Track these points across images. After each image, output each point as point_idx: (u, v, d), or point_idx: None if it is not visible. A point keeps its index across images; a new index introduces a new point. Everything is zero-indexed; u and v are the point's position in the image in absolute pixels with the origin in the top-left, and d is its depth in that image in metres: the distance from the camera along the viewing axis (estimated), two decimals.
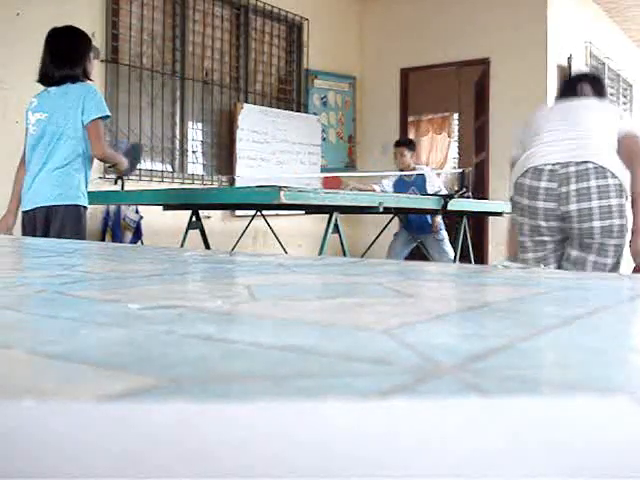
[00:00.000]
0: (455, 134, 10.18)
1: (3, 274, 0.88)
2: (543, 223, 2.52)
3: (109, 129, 4.99)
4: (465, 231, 4.55)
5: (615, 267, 2.57)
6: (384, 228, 4.77)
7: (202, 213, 4.25)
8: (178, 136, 5.62)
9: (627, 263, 2.68)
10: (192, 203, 3.75)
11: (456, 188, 5.08)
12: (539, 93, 6.36)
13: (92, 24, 4.87)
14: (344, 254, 3.20)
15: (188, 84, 5.65)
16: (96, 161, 4.86)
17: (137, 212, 4.96)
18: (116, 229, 4.91)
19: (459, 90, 8.65)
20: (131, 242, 4.89)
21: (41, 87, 3.08)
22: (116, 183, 4.63)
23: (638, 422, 0.27)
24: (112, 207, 4.91)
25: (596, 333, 0.51)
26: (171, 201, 3.80)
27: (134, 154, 3.23)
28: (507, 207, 4.65)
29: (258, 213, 4.85)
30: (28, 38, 4.38)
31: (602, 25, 7.75)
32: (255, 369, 0.36)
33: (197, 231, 4.13)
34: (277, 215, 5.50)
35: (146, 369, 0.36)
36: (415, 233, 5.33)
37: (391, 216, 4.65)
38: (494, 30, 6.54)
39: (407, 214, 5.00)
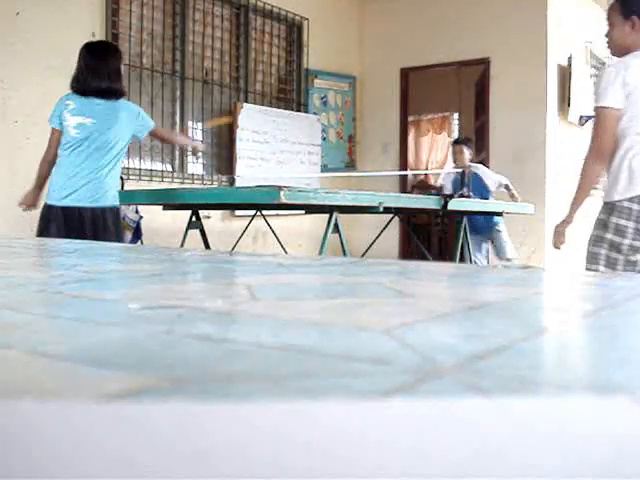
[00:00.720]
0: (455, 134, 10.19)
1: (3, 274, 0.88)
2: None
3: None
4: (465, 231, 4.54)
5: None
6: (384, 228, 4.77)
7: (202, 213, 4.25)
8: None
9: None
10: (192, 203, 3.75)
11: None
12: (539, 93, 6.35)
13: (92, 24, 4.87)
14: (344, 254, 3.20)
15: (188, 84, 5.65)
16: None
17: (137, 212, 4.96)
18: None
19: (459, 90, 8.66)
20: (131, 242, 4.89)
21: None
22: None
23: (638, 422, 0.27)
24: None
25: (596, 333, 0.51)
26: (171, 201, 3.80)
27: None
28: (507, 207, 4.66)
29: (258, 213, 4.85)
30: (28, 38, 4.38)
31: (602, 25, 7.74)
32: (255, 369, 0.36)
33: (197, 231, 4.13)
34: (277, 215, 5.50)
35: (146, 369, 0.36)
36: (484, 234, 5.29)
37: (391, 216, 4.64)
38: (494, 30, 6.54)
39: (469, 220, 4.94)
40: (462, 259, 4.59)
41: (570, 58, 6.57)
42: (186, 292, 0.74)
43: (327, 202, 2.95)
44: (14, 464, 0.22)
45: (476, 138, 7.30)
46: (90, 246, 1.71)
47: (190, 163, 5.75)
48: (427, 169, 10.27)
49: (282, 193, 2.66)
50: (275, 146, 6.37)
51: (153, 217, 4.94)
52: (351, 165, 7.35)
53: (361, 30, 7.43)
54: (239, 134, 5.99)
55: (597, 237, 2.61)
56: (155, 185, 5.28)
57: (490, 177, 5.29)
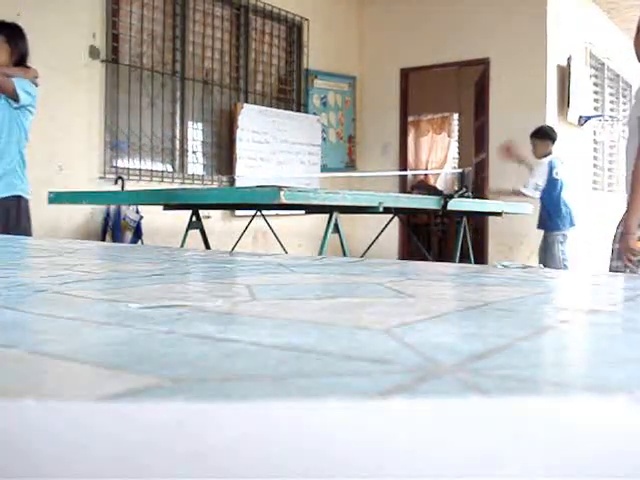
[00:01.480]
0: (455, 134, 10.18)
1: (3, 274, 0.88)
2: None
3: (109, 129, 4.99)
4: (465, 231, 4.54)
5: None
6: (384, 228, 4.76)
7: (202, 213, 4.25)
8: (178, 136, 5.62)
9: None
10: (192, 203, 3.75)
11: (456, 188, 5.06)
12: (539, 93, 6.35)
13: (92, 24, 4.87)
14: (344, 254, 3.20)
15: (188, 84, 5.65)
16: (97, 162, 4.88)
17: (137, 212, 4.96)
18: (116, 229, 4.91)
19: (459, 90, 8.66)
20: (131, 242, 4.89)
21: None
22: (116, 183, 4.64)
23: (638, 422, 0.27)
24: (112, 207, 4.91)
25: (596, 333, 0.51)
26: (171, 201, 3.79)
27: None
28: (506, 207, 4.66)
29: (258, 213, 4.85)
30: (28, 39, 4.38)
31: (602, 26, 7.75)
32: (255, 369, 0.36)
33: (197, 231, 4.13)
34: (277, 215, 5.50)
35: (146, 369, 0.36)
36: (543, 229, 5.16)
37: (391, 216, 4.64)
38: (494, 30, 6.54)
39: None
40: (462, 259, 4.59)
41: (569, 59, 6.57)
42: (186, 292, 0.74)
43: (327, 202, 2.95)
44: (14, 464, 0.22)
45: (476, 138, 7.30)
46: (90, 246, 1.71)
47: (190, 163, 5.75)
48: (427, 169, 10.26)
49: (282, 193, 2.66)
50: (275, 146, 6.37)
51: (153, 217, 4.94)
52: (351, 165, 7.35)
53: (361, 30, 7.43)
54: (239, 134, 5.99)
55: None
56: (155, 185, 5.28)
57: (533, 175, 5.14)
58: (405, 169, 7.54)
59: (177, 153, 5.64)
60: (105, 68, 4.95)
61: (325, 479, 0.21)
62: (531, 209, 4.88)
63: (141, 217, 4.99)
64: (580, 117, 6.87)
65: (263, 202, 3.06)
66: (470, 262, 4.62)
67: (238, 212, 5.65)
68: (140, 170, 5.25)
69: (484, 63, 6.73)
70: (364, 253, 4.75)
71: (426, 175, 10.08)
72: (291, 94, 6.76)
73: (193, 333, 0.46)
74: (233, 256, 1.34)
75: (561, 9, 6.57)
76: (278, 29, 6.60)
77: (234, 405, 0.29)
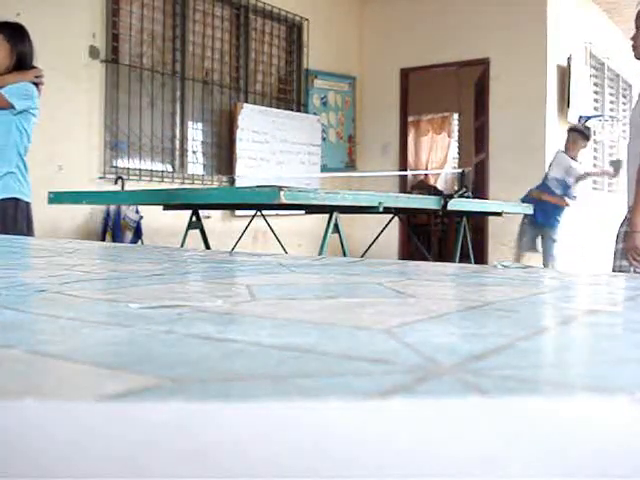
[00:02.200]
0: (455, 134, 10.18)
1: (3, 274, 0.88)
2: None
3: (109, 129, 4.99)
4: (465, 231, 4.54)
5: None
6: (384, 228, 4.76)
7: (202, 213, 4.25)
8: (178, 136, 5.62)
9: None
10: (192, 203, 3.75)
11: (456, 188, 5.07)
12: (539, 93, 6.35)
13: (92, 24, 4.87)
14: (344, 254, 3.20)
15: (188, 84, 5.65)
16: (97, 162, 4.88)
17: (137, 212, 4.96)
18: (116, 229, 4.91)
19: (459, 90, 8.66)
20: (131, 242, 4.89)
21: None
22: (116, 183, 4.64)
23: (638, 422, 0.27)
24: (112, 207, 4.91)
25: (596, 333, 0.51)
26: (171, 201, 3.79)
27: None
28: (506, 207, 4.66)
29: (258, 213, 4.85)
30: None
31: (602, 25, 7.75)
32: (255, 369, 0.36)
33: (197, 231, 4.13)
34: (277, 215, 5.50)
35: (146, 369, 0.36)
36: (539, 226, 5.23)
37: (391, 216, 4.64)
38: (494, 30, 6.54)
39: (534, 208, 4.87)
40: (462, 259, 4.59)
41: (569, 58, 6.57)
42: (186, 292, 0.74)
43: (327, 202, 2.95)
44: (14, 464, 0.22)
45: (476, 138, 7.30)
46: (90, 246, 1.71)
47: (190, 163, 5.75)
48: (427, 169, 10.26)
49: (282, 193, 2.66)
50: (275, 146, 6.37)
51: (153, 217, 4.94)
52: (351, 165, 7.35)
53: (361, 30, 7.43)
54: (239, 134, 5.99)
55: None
56: (155, 185, 5.28)
57: (557, 166, 5.18)
58: (405, 169, 7.54)
59: (177, 153, 5.64)
60: (105, 68, 4.95)
61: (325, 479, 0.21)
62: (531, 209, 4.89)
63: (141, 217, 4.99)
64: (580, 117, 6.87)
65: (263, 202, 3.06)
66: (470, 262, 4.61)
67: (238, 212, 5.65)
68: (140, 170, 5.24)
69: (484, 63, 6.73)
70: (364, 253, 4.75)
71: (426, 175, 10.08)
72: (291, 94, 6.76)
73: (193, 333, 0.46)
74: (233, 256, 1.34)
75: (561, 9, 6.57)
76: (278, 29, 6.60)
77: (234, 405, 0.29)
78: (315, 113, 6.90)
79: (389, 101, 7.30)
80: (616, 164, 5.58)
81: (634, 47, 2.50)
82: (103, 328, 0.49)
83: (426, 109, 9.77)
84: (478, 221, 6.47)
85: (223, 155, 6.04)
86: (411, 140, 9.63)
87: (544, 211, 5.13)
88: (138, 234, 4.98)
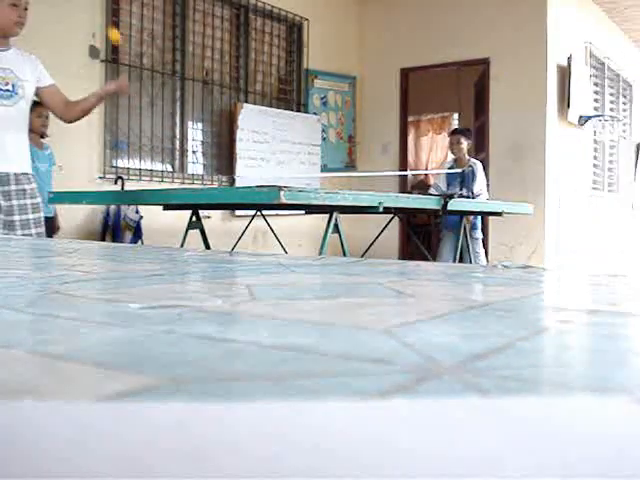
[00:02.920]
0: None
1: (3, 274, 0.88)
2: None
3: (109, 129, 4.99)
4: (465, 231, 4.54)
5: None
6: (384, 228, 4.76)
7: (202, 213, 4.24)
8: (178, 136, 5.62)
9: None
10: (192, 203, 3.75)
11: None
12: (539, 93, 6.35)
13: (92, 24, 4.87)
14: (344, 254, 3.20)
15: (188, 84, 5.65)
16: (97, 162, 4.88)
17: (137, 212, 4.96)
18: (116, 229, 4.91)
19: (459, 90, 8.66)
20: (131, 242, 4.89)
21: None
22: (116, 183, 4.64)
23: (638, 422, 0.27)
24: (112, 207, 4.91)
25: (596, 333, 0.51)
26: (171, 201, 3.79)
27: None
28: (506, 207, 4.66)
29: (258, 213, 4.85)
30: (28, 38, 4.38)
31: (602, 25, 7.75)
32: (255, 369, 0.36)
33: (197, 231, 4.12)
34: (277, 215, 5.50)
35: (146, 369, 0.36)
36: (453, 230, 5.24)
37: (391, 216, 4.64)
38: (494, 30, 6.54)
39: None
40: (462, 259, 4.59)
41: (570, 58, 6.57)
42: (186, 292, 0.74)
43: (327, 202, 2.95)
44: (14, 464, 0.22)
45: (476, 138, 7.30)
46: (90, 246, 1.71)
47: (190, 163, 5.75)
48: (427, 169, 10.27)
49: (282, 193, 2.66)
50: (275, 146, 6.37)
51: (153, 217, 4.94)
52: (351, 165, 7.35)
53: (361, 30, 7.43)
54: (239, 134, 5.99)
55: None
56: (155, 185, 5.28)
57: (480, 182, 5.22)
58: (405, 169, 7.54)
59: (177, 153, 5.64)
60: (105, 68, 4.95)
61: (325, 478, 0.21)
62: (531, 209, 4.89)
63: (141, 217, 4.99)
64: (580, 117, 6.87)
65: (263, 202, 3.05)
66: (470, 262, 4.61)
67: (238, 212, 5.65)
68: (140, 170, 5.24)
69: (484, 63, 6.73)
70: (364, 253, 4.75)
71: (426, 175, 10.08)
72: (291, 94, 6.76)
73: (193, 333, 0.46)
74: (233, 256, 1.34)
75: (561, 9, 6.57)
76: (278, 29, 6.60)
77: (234, 405, 0.29)
78: (315, 113, 6.90)
79: (389, 101, 7.30)
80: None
81: None
82: (103, 328, 0.49)
83: (426, 109, 9.77)
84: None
85: (223, 155, 6.04)
86: (411, 140, 9.63)
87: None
88: (138, 234, 4.98)
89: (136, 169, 5.22)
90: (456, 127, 5.49)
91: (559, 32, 6.53)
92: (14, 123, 2.73)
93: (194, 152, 5.80)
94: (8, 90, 2.71)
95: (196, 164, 5.81)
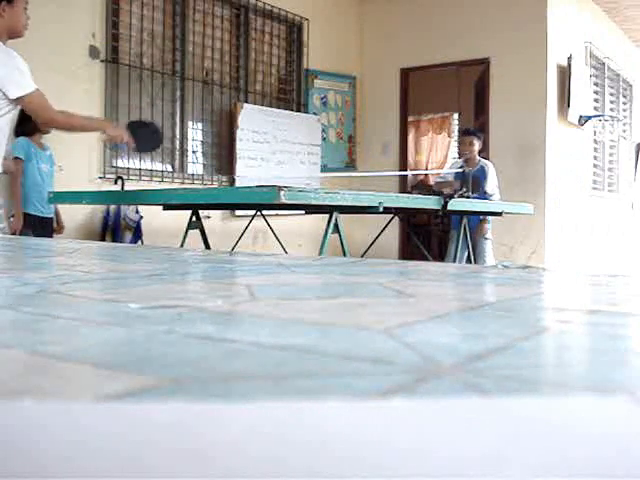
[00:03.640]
0: (455, 134, 10.18)
1: (3, 274, 0.88)
2: None
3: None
4: (465, 231, 4.54)
5: None
6: (384, 228, 4.76)
7: (202, 213, 4.24)
8: (178, 136, 5.62)
9: None
10: (192, 203, 3.75)
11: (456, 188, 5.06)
12: (539, 93, 6.35)
13: (92, 24, 4.87)
14: (344, 254, 3.20)
15: (188, 84, 5.65)
16: (97, 162, 4.88)
17: (137, 212, 4.96)
18: (116, 229, 4.91)
19: (459, 90, 8.66)
20: (131, 242, 4.89)
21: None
22: (116, 183, 4.64)
23: (638, 422, 0.27)
24: (112, 207, 4.91)
25: (596, 333, 0.51)
26: (171, 201, 3.79)
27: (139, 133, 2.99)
28: (506, 207, 4.66)
29: (258, 213, 4.85)
30: (28, 38, 4.38)
31: (602, 25, 7.75)
32: (255, 369, 0.36)
33: (197, 231, 4.12)
34: (277, 215, 5.50)
35: (146, 369, 0.36)
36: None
37: (391, 216, 4.64)
38: (494, 30, 6.54)
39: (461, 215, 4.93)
40: (466, 259, 4.59)
41: (570, 58, 6.57)
42: (186, 292, 0.74)
43: (327, 202, 2.95)
44: (14, 464, 0.22)
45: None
46: (90, 246, 1.71)
47: (190, 163, 5.75)
48: (427, 169, 10.27)
49: (282, 193, 2.66)
50: (275, 146, 6.37)
51: (153, 217, 4.94)
52: (351, 165, 7.35)
53: (361, 30, 7.43)
54: (239, 134, 5.99)
55: None
56: (155, 185, 5.28)
57: (492, 181, 5.21)
58: (405, 169, 7.54)
59: (177, 153, 5.64)
60: (105, 68, 4.95)
61: (325, 478, 0.21)
62: (532, 209, 4.89)
63: (141, 217, 4.99)
64: (580, 117, 6.87)
65: (263, 202, 3.06)
66: (470, 262, 4.61)
67: (238, 212, 5.65)
68: (140, 170, 5.24)
69: (484, 63, 6.73)
70: (364, 253, 4.75)
71: (426, 175, 10.08)
72: (291, 94, 6.76)
73: (193, 333, 0.46)
74: (233, 256, 1.34)
75: (561, 9, 6.57)
76: (278, 29, 6.60)
77: (234, 405, 0.29)
78: (315, 113, 6.90)
79: (389, 101, 7.29)
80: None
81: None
82: (103, 328, 0.49)
83: (426, 109, 9.77)
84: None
85: (223, 155, 6.04)
86: (411, 140, 9.63)
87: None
88: (138, 234, 4.98)
89: (136, 169, 5.22)
90: (468, 128, 5.43)
91: (559, 32, 6.53)
92: None
93: (194, 152, 5.80)
94: None
95: (196, 164, 5.81)
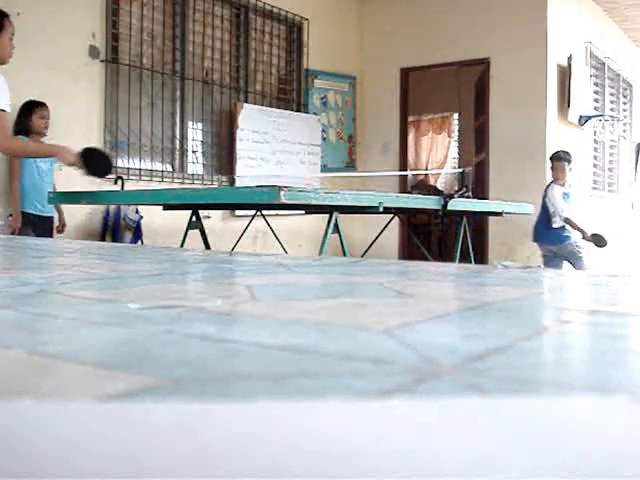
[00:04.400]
0: (455, 134, 10.18)
1: (3, 274, 0.88)
2: None
3: (109, 129, 4.99)
4: (465, 231, 4.54)
5: None
6: (384, 228, 4.76)
7: (202, 213, 4.24)
8: (178, 136, 5.62)
9: None
10: (192, 203, 3.75)
11: (456, 188, 5.06)
12: (539, 93, 6.35)
13: (92, 24, 4.87)
14: (344, 254, 3.20)
15: (188, 84, 5.65)
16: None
17: (137, 212, 4.96)
18: (116, 229, 4.91)
19: (459, 90, 8.66)
20: (131, 242, 4.89)
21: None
22: (116, 183, 4.64)
23: (638, 422, 0.27)
24: (112, 207, 4.90)
25: (596, 333, 0.51)
26: (171, 201, 3.79)
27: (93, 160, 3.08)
28: (506, 207, 4.66)
29: (258, 213, 4.84)
30: (28, 38, 4.38)
31: (602, 25, 7.74)
32: (255, 369, 0.36)
33: (197, 231, 4.12)
34: (277, 215, 5.50)
35: (146, 369, 0.36)
36: (545, 245, 5.21)
37: (391, 216, 4.64)
38: (494, 30, 6.54)
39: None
40: (462, 259, 4.58)
41: (570, 58, 6.57)
42: (186, 292, 0.74)
43: (327, 202, 2.95)
44: (14, 464, 0.22)
45: (476, 138, 7.30)
46: (90, 246, 1.71)
47: (190, 163, 5.75)
48: (427, 169, 10.26)
49: (282, 193, 2.65)
50: (275, 146, 6.37)
51: (153, 217, 4.94)
52: (351, 165, 7.35)
53: (361, 30, 7.43)
54: (239, 134, 5.99)
55: None
56: (155, 185, 5.28)
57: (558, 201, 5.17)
58: (405, 169, 7.54)
59: (177, 153, 5.64)
60: (105, 68, 4.95)
61: (326, 478, 0.21)
62: (532, 209, 4.88)
63: (141, 217, 4.99)
64: (580, 117, 6.87)
65: (263, 202, 3.05)
66: (470, 262, 4.61)
67: (238, 212, 5.65)
68: (140, 170, 5.24)
69: (484, 63, 6.73)
70: (364, 253, 4.75)
71: (426, 175, 10.08)
72: (291, 94, 6.76)
73: (193, 333, 0.46)
74: (233, 256, 1.34)
75: (561, 9, 6.57)
76: (278, 29, 6.60)
77: (234, 405, 0.29)
78: (315, 113, 6.90)
79: (389, 101, 7.30)
80: (596, 238, 5.46)
81: None
82: (103, 328, 0.49)
83: (426, 109, 9.77)
84: (478, 221, 6.47)
85: (223, 155, 6.04)
86: (411, 140, 9.63)
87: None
88: (138, 234, 4.98)
89: (136, 169, 5.22)
90: (559, 152, 5.30)
91: (559, 32, 6.53)
92: None
93: (194, 152, 5.80)
94: None
95: (196, 164, 5.81)
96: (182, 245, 3.97)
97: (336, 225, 3.10)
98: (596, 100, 7.68)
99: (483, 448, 0.24)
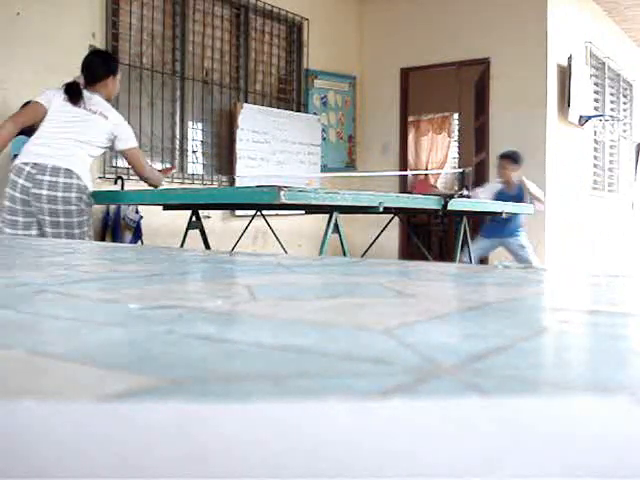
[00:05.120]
0: (455, 134, 10.18)
1: (3, 274, 0.88)
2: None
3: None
4: (465, 231, 4.54)
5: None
6: (384, 228, 4.76)
7: (202, 213, 4.24)
8: (178, 136, 5.62)
9: None
10: (192, 203, 3.75)
11: (456, 188, 5.06)
12: (539, 93, 6.35)
13: (92, 24, 4.86)
14: (344, 254, 3.20)
15: (188, 84, 5.65)
16: (97, 162, 4.89)
17: (137, 212, 4.96)
18: (116, 229, 4.91)
19: (459, 90, 8.66)
20: (131, 242, 4.89)
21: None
22: (116, 183, 4.64)
23: (638, 422, 0.27)
24: (112, 207, 4.90)
25: (596, 333, 0.51)
26: (171, 201, 3.80)
27: None
28: (506, 207, 4.66)
29: (258, 213, 4.84)
30: (28, 38, 4.38)
31: (602, 25, 7.74)
32: (255, 369, 0.36)
33: (197, 231, 4.12)
34: (277, 215, 5.50)
35: (146, 369, 0.36)
36: (497, 237, 5.35)
37: (391, 216, 4.64)
38: (494, 30, 6.54)
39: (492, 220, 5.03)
40: (462, 259, 4.58)
41: (570, 58, 6.56)
42: (186, 292, 0.74)
43: (327, 202, 2.95)
44: (14, 464, 0.22)
45: (476, 138, 7.30)
46: (90, 246, 1.71)
47: (190, 163, 5.75)
48: (427, 169, 10.26)
49: (282, 193, 2.66)
50: (275, 146, 6.37)
51: (153, 217, 4.94)
52: (351, 165, 7.35)
53: (361, 30, 7.43)
54: (239, 134, 5.99)
55: None
56: None
57: (531, 189, 5.25)
58: (405, 169, 7.54)
59: (177, 153, 5.64)
60: None
61: (325, 479, 0.21)
62: (532, 209, 4.89)
63: (141, 217, 4.99)
64: (580, 117, 6.87)
65: (263, 202, 3.05)
66: (470, 262, 4.61)
67: (238, 212, 5.65)
68: None
69: (484, 63, 6.73)
70: (364, 253, 4.75)
71: (426, 175, 10.08)
72: (291, 94, 6.76)
73: (193, 333, 0.46)
74: (233, 256, 1.34)
75: (561, 9, 6.57)
76: (278, 29, 6.60)
77: (234, 406, 0.29)
78: (315, 113, 6.90)
79: (389, 101, 7.30)
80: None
81: None
82: (103, 328, 0.49)
83: (426, 109, 9.77)
84: (478, 221, 6.47)
85: (223, 155, 6.03)
86: (411, 140, 9.63)
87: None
88: (138, 234, 4.98)
89: None
90: (504, 152, 5.41)
91: (559, 32, 6.53)
92: None
93: (194, 152, 5.80)
94: None
95: (196, 164, 5.81)
96: (182, 245, 3.97)
97: (336, 225, 3.10)
98: (596, 100, 7.68)
99: (483, 448, 0.24)
